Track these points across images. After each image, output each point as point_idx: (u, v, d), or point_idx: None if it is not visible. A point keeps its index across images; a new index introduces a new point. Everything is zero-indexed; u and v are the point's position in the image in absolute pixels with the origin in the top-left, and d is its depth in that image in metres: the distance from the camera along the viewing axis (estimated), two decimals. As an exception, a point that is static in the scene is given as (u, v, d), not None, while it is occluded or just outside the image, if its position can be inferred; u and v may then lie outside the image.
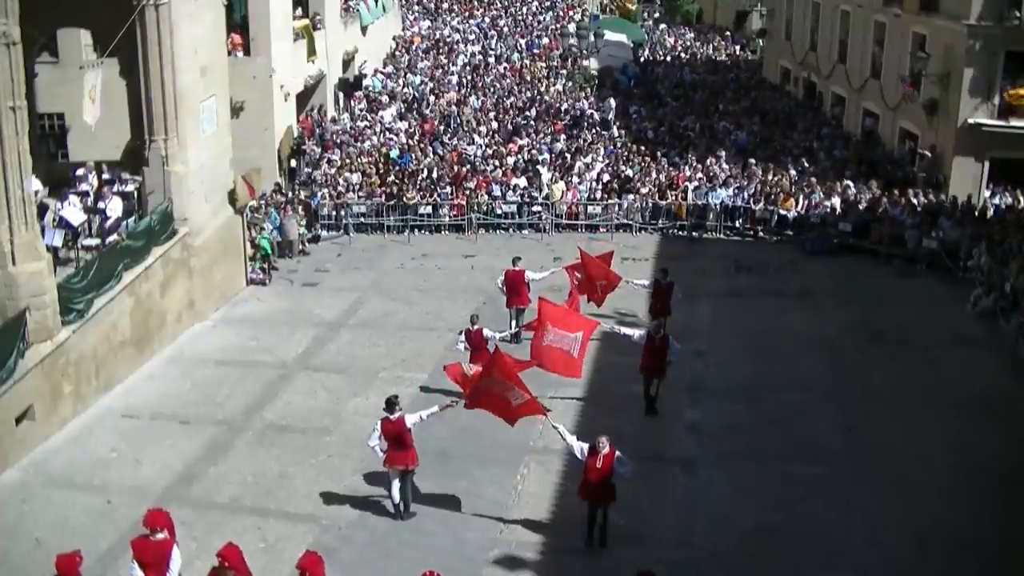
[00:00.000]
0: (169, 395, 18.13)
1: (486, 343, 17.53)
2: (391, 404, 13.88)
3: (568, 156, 30.70)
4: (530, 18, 48.49)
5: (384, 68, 39.75)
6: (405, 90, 36.99)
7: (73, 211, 19.07)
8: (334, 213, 28.32)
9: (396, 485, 14.00)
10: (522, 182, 29.00)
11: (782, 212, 27.32)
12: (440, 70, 39.47)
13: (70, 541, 12.04)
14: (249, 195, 23.41)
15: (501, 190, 28.76)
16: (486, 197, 28.45)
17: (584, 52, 40.22)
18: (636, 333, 17.51)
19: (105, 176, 20.91)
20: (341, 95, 35.60)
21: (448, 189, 28.63)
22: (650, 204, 28.22)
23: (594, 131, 33.33)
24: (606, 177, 29.40)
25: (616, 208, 28.07)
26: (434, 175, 29.15)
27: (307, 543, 13.24)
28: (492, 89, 37.26)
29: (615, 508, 13.45)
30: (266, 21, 28.21)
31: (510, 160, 30.15)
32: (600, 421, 16.71)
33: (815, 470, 15.48)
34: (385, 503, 14.37)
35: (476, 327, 17.61)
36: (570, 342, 16.03)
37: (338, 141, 31.76)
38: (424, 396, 17.75)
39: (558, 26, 46.10)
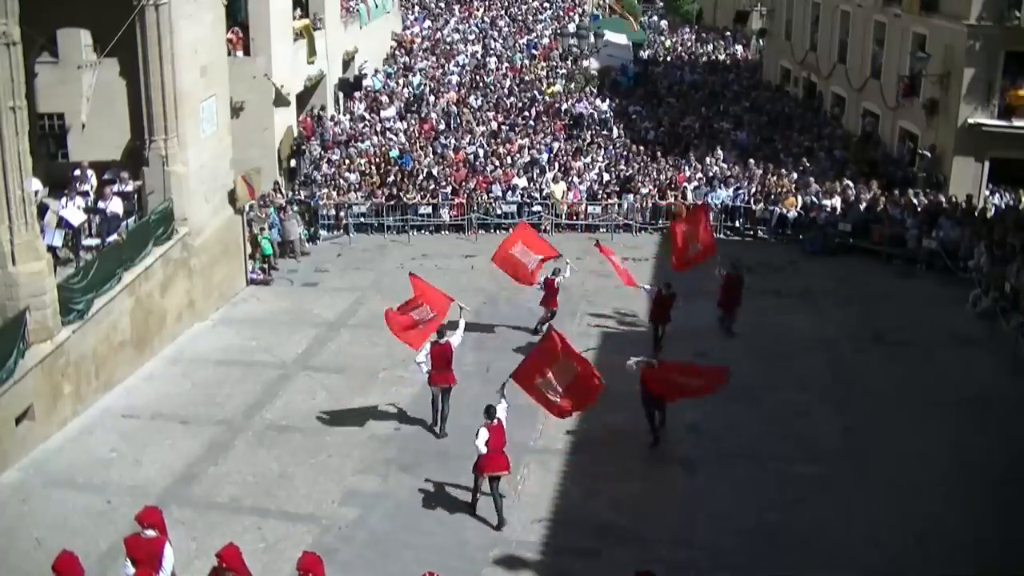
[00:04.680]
0: (169, 395, 18.12)
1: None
2: (441, 333, 16.26)
3: (568, 156, 30.71)
4: (530, 18, 48.48)
5: (384, 68, 39.74)
6: (405, 90, 36.99)
7: (73, 211, 19.05)
8: (334, 213, 28.31)
9: (439, 401, 16.29)
10: (522, 182, 29.00)
11: (782, 212, 27.33)
12: (440, 70, 39.47)
13: (70, 541, 12.02)
14: (249, 195, 23.40)
15: (501, 190, 28.76)
16: (486, 197, 28.45)
17: (584, 52, 40.22)
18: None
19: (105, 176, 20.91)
20: (341, 95, 35.60)
21: (448, 189, 28.64)
22: (650, 204, 28.23)
23: (594, 131, 33.33)
24: (606, 177, 29.41)
25: (616, 208, 28.07)
26: (435, 173, 29.16)
27: (307, 543, 13.26)
28: (492, 89, 37.26)
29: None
30: (266, 21, 28.19)
31: (510, 160, 30.15)
32: (600, 421, 16.73)
33: (815, 470, 15.49)
34: (384, 504, 14.47)
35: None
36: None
37: (338, 141, 31.76)
38: (424, 394, 17.87)
39: (558, 26, 46.09)
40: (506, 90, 37.21)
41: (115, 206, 19.62)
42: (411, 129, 33.06)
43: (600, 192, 28.74)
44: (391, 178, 29.03)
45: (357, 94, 36.15)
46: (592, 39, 38.59)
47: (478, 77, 38.55)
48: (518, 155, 30.55)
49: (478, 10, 49.00)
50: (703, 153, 30.86)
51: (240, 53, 27.72)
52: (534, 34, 45.38)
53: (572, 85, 38.06)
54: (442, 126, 33.42)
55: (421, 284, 17.40)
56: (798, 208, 27.26)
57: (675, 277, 20.71)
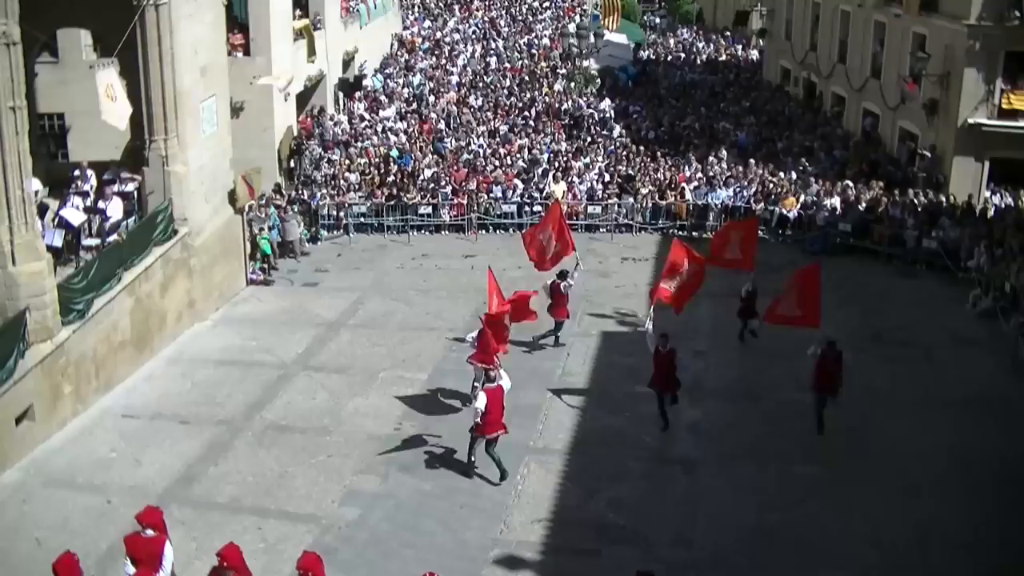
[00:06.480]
0: (169, 395, 18.13)
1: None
2: (562, 276, 19.42)
3: (568, 156, 30.70)
4: (530, 18, 48.50)
5: (384, 68, 39.75)
6: (405, 90, 36.98)
7: (73, 211, 19.06)
8: (334, 213, 28.31)
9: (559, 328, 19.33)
10: (521, 183, 28.97)
11: (782, 212, 27.32)
12: (440, 70, 39.47)
13: (70, 541, 12.05)
14: (249, 195, 23.40)
15: (502, 189, 28.76)
16: (486, 197, 28.44)
17: (584, 52, 40.20)
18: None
19: (105, 176, 20.92)
20: (341, 95, 35.60)
21: (448, 189, 28.64)
22: (650, 204, 28.22)
23: (594, 131, 33.32)
24: (606, 177, 29.41)
25: (616, 208, 28.07)
26: (436, 173, 29.14)
27: (307, 543, 13.26)
28: (492, 89, 37.25)
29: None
30: (266, 21, 28.19)
31: (509, 160, 30.14)
32: (601, 421, 16.75)
33: (815, 470, 15.49)
34: (384, 504, 14.51)
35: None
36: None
37: (338, 141, 31.75)
38: (425, 395, 17.85)
39: (558, 26, 46.10)
40: (506, 90, 37.21)
41: (115, 206, 19.64)
42: (411, 129, 33.06)
43: (600, 192, 28.75)
44: (391, 178, 29.03)
45: (357, 94, 36.16)
46: (592, 39, 38.52)
47: (478, 77, 38.55)
48: (518, 155, 30.54)
49: (478, 10, 49.02)
50: (703, 153, 30.85)
51: (240, 54, 27.73)
52: (534, 34, 45.39)
53: (572, 85, 38.04)
54: (442, 126, 33.42)
55: (560, 218, 19.67)
56: (798, 208, 27.25)
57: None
